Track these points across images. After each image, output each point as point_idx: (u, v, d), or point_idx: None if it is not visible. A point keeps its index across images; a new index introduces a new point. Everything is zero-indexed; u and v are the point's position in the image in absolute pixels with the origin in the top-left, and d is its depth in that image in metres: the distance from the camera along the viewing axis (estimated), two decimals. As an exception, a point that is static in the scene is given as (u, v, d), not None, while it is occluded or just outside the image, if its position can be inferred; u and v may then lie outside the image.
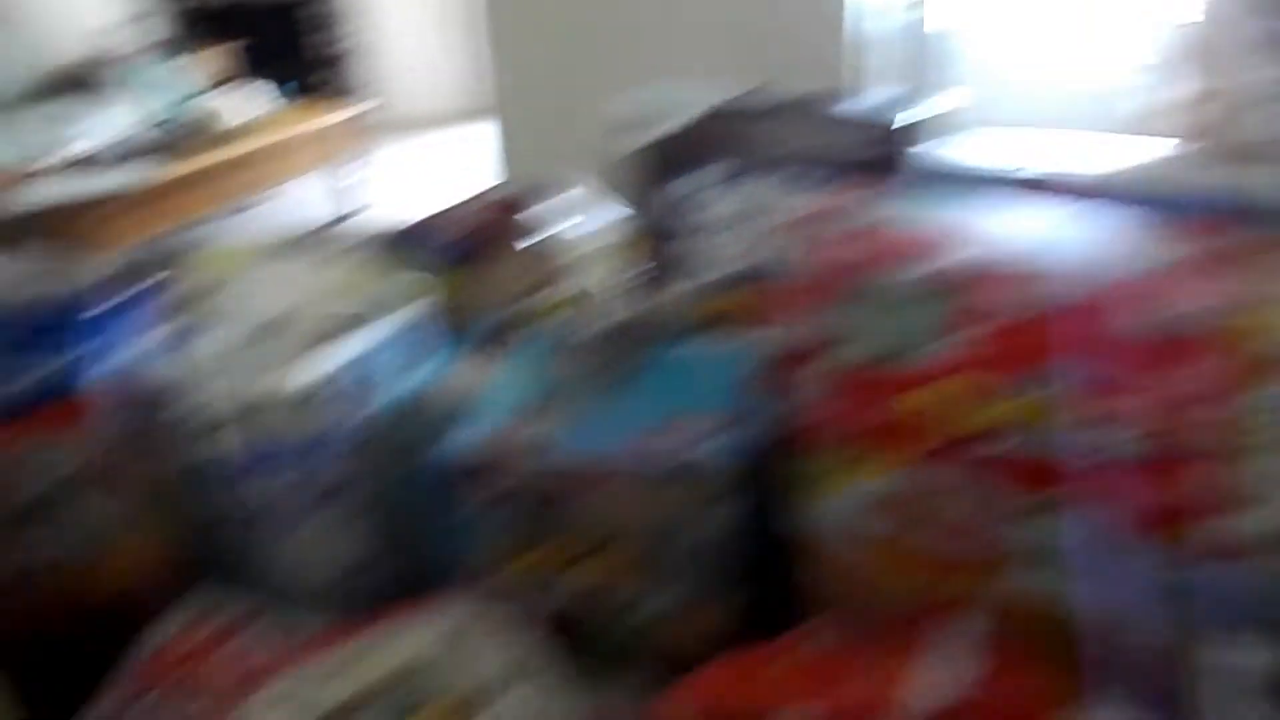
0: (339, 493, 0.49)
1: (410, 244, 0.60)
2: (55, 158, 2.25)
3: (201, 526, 0.51)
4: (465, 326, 0.57)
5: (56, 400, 0.46)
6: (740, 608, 0.46)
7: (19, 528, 0.47)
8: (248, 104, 2.80)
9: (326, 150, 2.96)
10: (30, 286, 0.49)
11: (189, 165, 2.45)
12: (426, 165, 3.52)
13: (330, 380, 0.47)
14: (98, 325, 0.49)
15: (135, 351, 0.49)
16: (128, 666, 0.45)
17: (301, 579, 0.51)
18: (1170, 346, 0.35)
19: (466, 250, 0.61)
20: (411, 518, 0.50)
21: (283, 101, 3.00)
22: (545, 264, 0.62)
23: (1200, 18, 1.40)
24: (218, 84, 2.91)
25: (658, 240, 0.59)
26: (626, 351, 0.53)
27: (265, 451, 0.47)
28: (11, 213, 2.01)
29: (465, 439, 0.45)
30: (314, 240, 0.56)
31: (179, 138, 2.54)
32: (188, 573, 0.52)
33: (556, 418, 0.46)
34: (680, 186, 0.58)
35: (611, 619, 0.45)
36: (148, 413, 0.49)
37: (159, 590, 0.50)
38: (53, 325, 0.47)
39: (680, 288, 0.57)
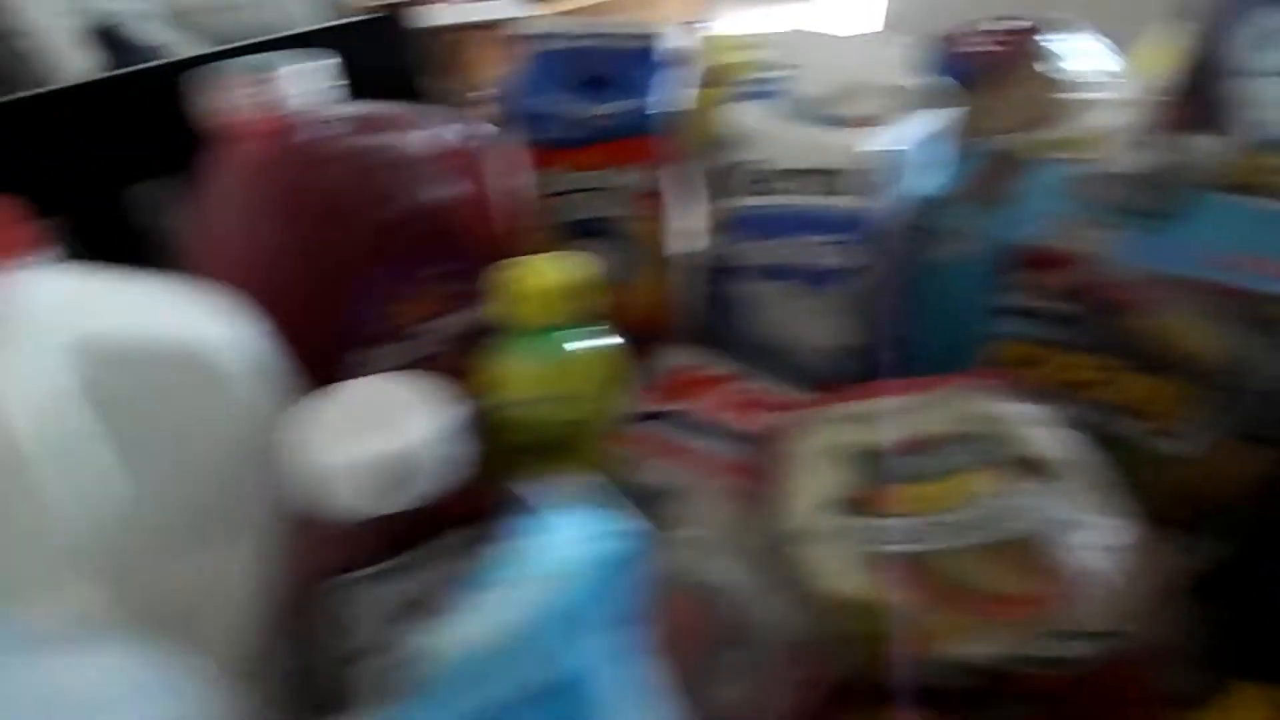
0: (860, 270, 0.51)
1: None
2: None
3: (709, 280, 0.56)
4: (974, 144, 0.56)
5: (630, 135, 0.51)
6: (1263, 470, 0.43)
7: (585, 240, 0.53)
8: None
9: (682, 7, 3.00)
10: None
11: (563, 5, 2.58)
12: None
13: (874, 159, 0.48)
14: (659, 75, 0.53)
15: (674, 103, 0.53)
16: (647, 380, 0.50)
17: (800, 348, 0.54)
18: None
19: (982, 71, 0.59)
20: (920, 306, 0.52)
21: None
22: (1060, 97, 0.59)
23: None
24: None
25: (1213, 79, 0.54)
26: (1160, 192, 0.50)
27: (803, 215, 0.50)
28: (422, 27, 2.22)
29: (1020, 231, 0.45)
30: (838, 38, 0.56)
31: (555, -25, 2.67)
32: (681, 323, 0.58)
33: (1109, 233, 0.44)
34: (1260, 22, 0.52)
35: (1130, 445, 0.44)
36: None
37: (659, 332, 0.56)
38: (632, 68, 0.52)
39: (1229, 138, 0.52)
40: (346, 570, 0.31)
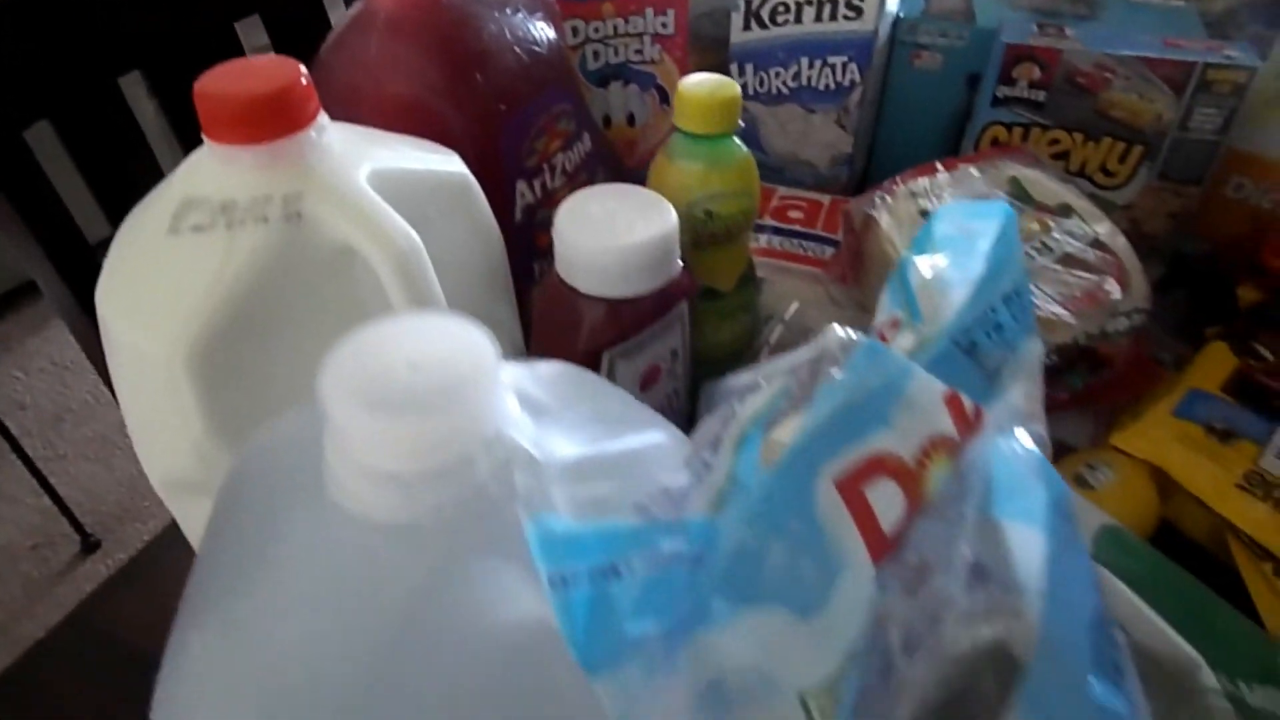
0: (852, 88, 0.60)
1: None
2: None
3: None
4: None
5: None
6: (1178, 207, 0.57)
7: (611, 84, 0.58)
8: None
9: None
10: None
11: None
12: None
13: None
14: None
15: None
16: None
17: (799, 161, 0.63)
18: None
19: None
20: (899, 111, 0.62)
21: None
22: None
23: None
24: None
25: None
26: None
27: (803, 43, 0.58)
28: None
29: (1004, 34, 0.55)
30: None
31: None
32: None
33: (1069, 29, 0.56)
34: None
35: (1095, 198, 0.57)
36: None
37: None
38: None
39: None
40: (606, 347, 0.38)
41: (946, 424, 0.21)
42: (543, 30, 0.46)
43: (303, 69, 0.31)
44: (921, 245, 0.27)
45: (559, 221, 0.37)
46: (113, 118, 0.65)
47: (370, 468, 0.19)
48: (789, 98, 0.62)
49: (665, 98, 0.62)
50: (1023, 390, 0.26)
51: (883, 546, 0.20)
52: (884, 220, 0.48)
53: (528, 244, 0.47)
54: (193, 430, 0.31)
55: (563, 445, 0.22)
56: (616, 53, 0.60)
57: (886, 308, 0.27)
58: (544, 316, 0.39)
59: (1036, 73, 0.55)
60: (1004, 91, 0.56)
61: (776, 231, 0.57)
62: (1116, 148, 0.56)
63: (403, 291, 0.31)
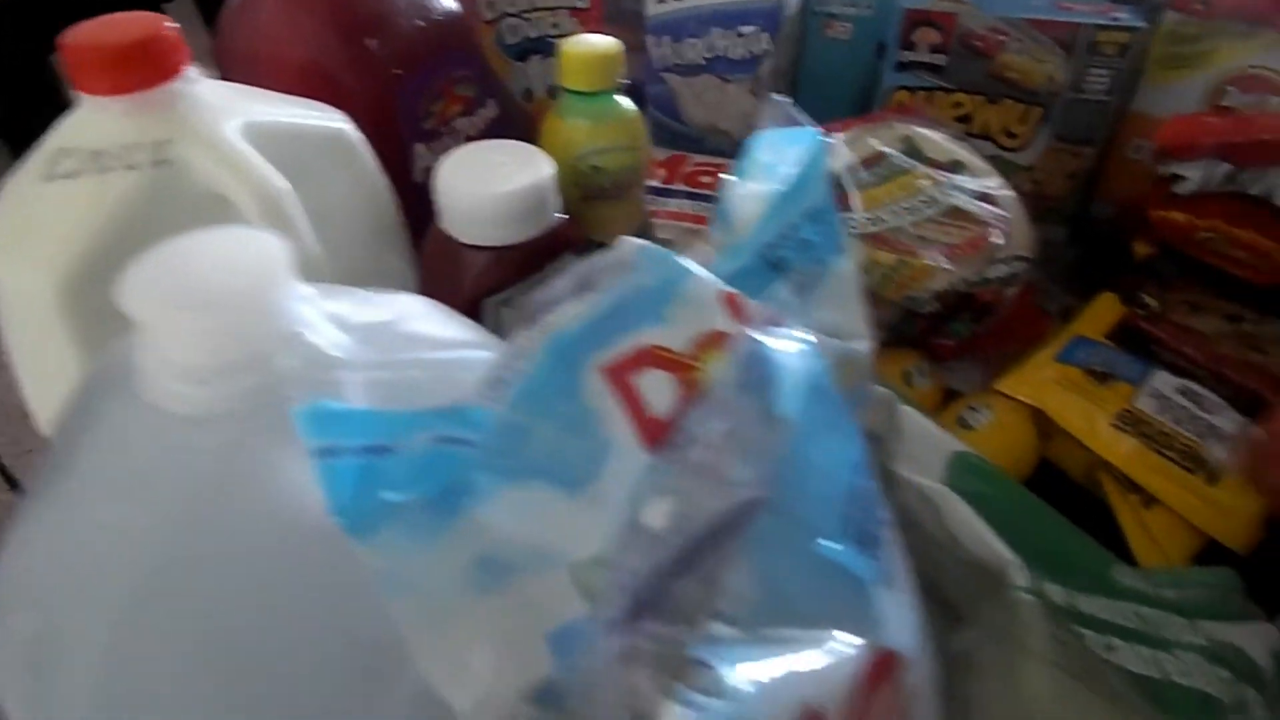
0: (764, 56, 0.61)
1: None
2: None
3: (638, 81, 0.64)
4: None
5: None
6: (1077, 167, 0.59)
7: (530, 58, 0.59)
8: None
9: None
10: None
11: None
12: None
13: (779, -45, 0.58)
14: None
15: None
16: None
17: (715, 131, 0.64)
18: None
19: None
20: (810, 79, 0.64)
21: None
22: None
23: None
24: None
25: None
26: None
27: (714, 13, 0.60)
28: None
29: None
30: None
31: None
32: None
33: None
34: None
35: (996, 161, 0.58)
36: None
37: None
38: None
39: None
40: (486, 294, 0.39)
41: (723, 320, 0.22)
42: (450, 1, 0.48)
43: (167, 22, 0.33)
44: (741, 171, 0.28)
45: (440, 174, 0.38)
46: (48, 97, 0.66)
47: (170, 362, 0.20)
48: (705, 68, 0.63)
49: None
50: (839, 306, 0.27)
51: (655, 432, 0.21)
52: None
53: (428, 204, 0.48)
54: (69, 370, 0.32)
55: (371, 352, 0.23)
56: (534, 27, 0.61)
57: (711, 233, 0.29)
58: (430, 268, 0.41)
59: (935, 37, 0.56)
60: (906, 56, 0.58)
61: (688, 196, 0.58)
62: (1015, 109, 0.58)
63: (271, 235, 0.33)
